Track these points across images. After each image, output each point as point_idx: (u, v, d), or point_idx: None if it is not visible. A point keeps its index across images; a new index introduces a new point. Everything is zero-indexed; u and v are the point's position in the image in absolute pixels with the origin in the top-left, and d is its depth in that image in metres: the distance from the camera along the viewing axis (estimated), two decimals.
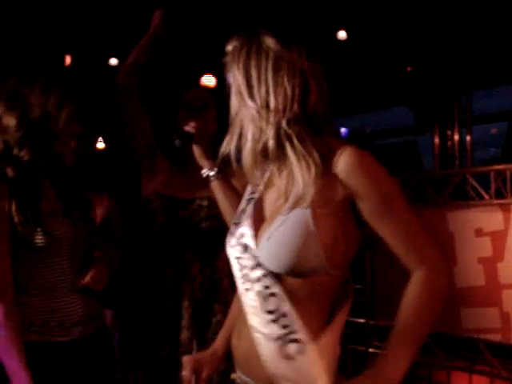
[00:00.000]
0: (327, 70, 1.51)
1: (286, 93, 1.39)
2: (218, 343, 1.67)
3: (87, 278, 2.14)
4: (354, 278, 4.66)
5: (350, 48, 5.01)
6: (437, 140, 5.91)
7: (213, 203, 2.26)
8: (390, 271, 4.39)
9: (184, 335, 2.41)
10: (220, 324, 2.08)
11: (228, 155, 1.50)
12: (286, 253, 1.36)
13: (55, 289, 2.11)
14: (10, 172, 2.07)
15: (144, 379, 2.38)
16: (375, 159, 1.42)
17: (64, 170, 2.23)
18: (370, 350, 4.58)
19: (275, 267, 1.38)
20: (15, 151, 2.09)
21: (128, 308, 2.54)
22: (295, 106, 1.39)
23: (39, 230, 2.05)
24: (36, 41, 4.61)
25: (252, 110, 1.41)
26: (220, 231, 2.01)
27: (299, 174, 1.39)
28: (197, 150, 2.16)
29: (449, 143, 5.71)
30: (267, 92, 1.39)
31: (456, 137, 5.75)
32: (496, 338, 3.86)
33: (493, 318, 3.85)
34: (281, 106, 1.38)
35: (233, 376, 1.53)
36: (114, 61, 5.56)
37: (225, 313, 1.90)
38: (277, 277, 1.39)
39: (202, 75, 5.52)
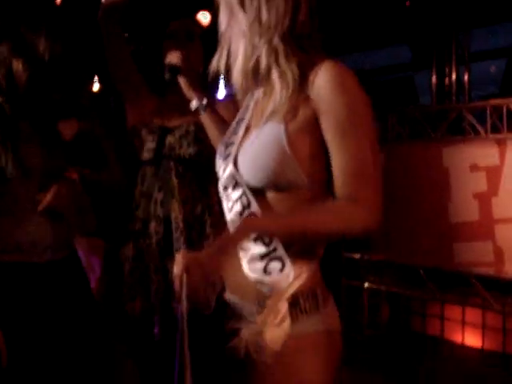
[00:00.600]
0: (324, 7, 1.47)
1: (278, 8, 1.37)
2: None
3: (48, 196, 2.18)
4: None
5: None
6: (434, 78, 5.84)
7: (200, 128, 2.26)
8: (386, 207, 4.41)
9: None
10: None
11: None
12: (260, 164, 1.36)
13: (24, 214, 2.20)
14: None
15: (141, 307, 2.42)
16: (354, 78, 1.37)
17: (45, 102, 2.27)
18: (365, 285, 4.65)
19: (252, 180, 1.38)
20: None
21: (121, 237, 2.55)
22: (286, 23, 1.37)
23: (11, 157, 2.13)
24: None
25: (243, 25, 1.38)
26: (208, 155, 2.02)
27: (278, 90, 1.38)
28: (183, 83, 2.15)
29: (446, 80, 5.64)
30: (259, 6, 1.37)
31: (453, 75, 5.67)
32: (489, 271, 3.92)
33: (486, 252, 3.91)
34: (273, 21, 1.36)
35: (225, 296, 1.55)
36: None
37: (216, 236, 1.91)
38: (256, 194, 1.39)
39: (198, 11, 5.42)
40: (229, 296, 1.52)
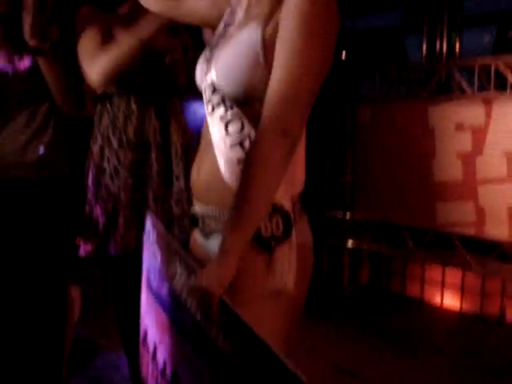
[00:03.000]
0: None
1: None
2: None
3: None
4: (334, 172, 4.69)
5: None
6: (425, 44, 5.79)
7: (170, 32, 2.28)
8: (370, 166, 4.41)
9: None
10: None
11: None
12: (234, 71, 1.33)
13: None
14: None
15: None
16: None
17: None
18: (348, 245, 4.65)
19: (228, 87, 1.35)
20: None
21: None
22: None
23: None
24: None
25: None
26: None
27: None
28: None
29: (437, 45, 5.60)
30: None
31: (444, 40, 5.62)
32: (470, 231, 3.92)
33: (468, 213, 3.91)
34: None
35: (192, 211, 1.52)
36: None
37: None
38: (236, 100, 1.36)
39: None
40: (198, 207, 1.49)
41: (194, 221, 1.50)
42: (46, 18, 2.22)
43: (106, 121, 2.46)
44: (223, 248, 1.29)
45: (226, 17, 1.52)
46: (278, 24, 1.31)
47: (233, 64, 1.34)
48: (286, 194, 1.36)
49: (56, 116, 2.46)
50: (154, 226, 1.73)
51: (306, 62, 1.28)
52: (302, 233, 1.40)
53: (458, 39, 5.64)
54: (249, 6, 1.42)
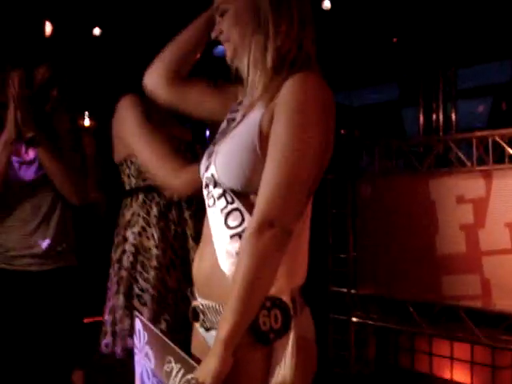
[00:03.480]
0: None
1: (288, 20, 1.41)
2: None
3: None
4: (336, 247, 4.67)
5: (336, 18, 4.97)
6: (421, 116, 5.90)
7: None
8: (373, 241, 4.40)
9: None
10: None
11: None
12: (233, 167, 1.36)
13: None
14: None
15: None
16: (320, 85, 1.37)
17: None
18: (353, 319, 4.59)
19: (227, 182, 1.37)
20: None
21: None
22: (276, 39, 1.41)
23: None
24: (14, 7, 4.54)
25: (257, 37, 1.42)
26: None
27: (255, 80, 1.42)
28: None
29: (433, 116, 5.70)
30: (266, 20, 1.41)
31: (441, 111, 5.73)
32: (476, 304, 3.88)
33: (473, 285, 3.87)
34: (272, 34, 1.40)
35: (193, 304, 1.51)
36: (97, 31, 5.48)
37: None
38: (236, 193, 1.37)
39: None
40: (200, 301, 1.48)
41: (196, 315, 1.49)
42: (32, 109, 2.28)
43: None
44: (217, 341, 1.28)
45: (228, 113, 1.55)
46: (272, 115, 1.34)
47: (232, 158, 1.36)
48: (285, 286, 1.35)
49: (62, 206, 2.49)
50: (145, 328, 1.71)
51: (296, 154, 1.31)
52: (302, 326, 1.38)
53: (454, 111, 5.74)
54: (252, 100, 1.46)
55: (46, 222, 2.46)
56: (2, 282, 2.40)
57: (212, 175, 1.41)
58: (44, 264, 2.44)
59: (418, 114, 5.75)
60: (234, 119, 1.49)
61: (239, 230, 1.37)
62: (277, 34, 1.41)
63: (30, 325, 2.36)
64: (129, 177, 2.36)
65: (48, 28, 4.92)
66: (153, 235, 2.36)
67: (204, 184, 1.46)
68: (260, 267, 1.28)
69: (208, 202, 1.45)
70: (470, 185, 3.87)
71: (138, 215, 2.34)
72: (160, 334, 1.59)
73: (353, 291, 4.56)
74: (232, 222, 1.38)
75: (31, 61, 2.48)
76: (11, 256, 2.41)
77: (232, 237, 1.37)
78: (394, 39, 5.33)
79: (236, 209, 1.38)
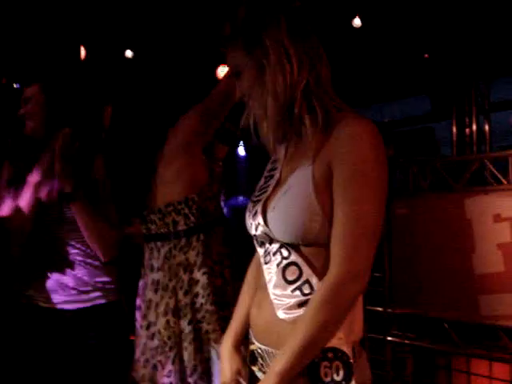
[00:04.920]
0: (342, 59, 1.54)
1: (301, 64, 1.43)
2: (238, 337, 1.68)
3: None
4: (372, 266, 4.64)
5: (366, 36, 4.97)
6: (454, 128, 5.84)
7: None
8: (408, 260, 4.37)
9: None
10: None
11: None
12: (290, 221, 1.38)
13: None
14: None
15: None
16: (373, 134, 1.39)
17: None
18: (389, 338, 4.56)
19: (284, 237, 1.39)
20: None
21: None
22: (309, 77, 1.43)
23: None
24: (51, 33, 4.63)
25: (269, 84, 1.44)
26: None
27: (308, 132, 1.43)
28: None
29: (467, 131, 5.64)
30: (285, 65, 1.42)
31: (474, 125, 5.67)
32: None
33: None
34: (297, 78, 1.42)
35: (251, 347, 1.53)
36: (129, 53, 5.56)
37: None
38: (293, 246, 1.40)
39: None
40: (258, 345, 1.51)
41: (254, 358, 1.51)
42: (73, 167, 2.31)
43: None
44: (271, 373, 1.33)
45: (265, 172, 1.57)
46: (326, 165, 1.36)
47: (288, 212, 1.38)
48: (347, 338, 1.37)
49: None
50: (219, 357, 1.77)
51: (369, 204, 1.36)
52: (361, 373, 1.41)
53: (487, 123, 5.69)
54: (290, 157, 1.48)
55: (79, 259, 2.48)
56: (39, 319, 2.45)
57: (266, 233, 1.43)
58: (80, 302, 2.45)
59: (450, 128, 5.71)
60: (272, 176, 1.51)
61: (298, 283, 1.40)
62: (298, 84, 1.43)
63: (70, 361, 2.38)
64: (187, 216, 2.36)
65: (82, 52, 5.01)
66: (222, 274, 2.38)
67: (259, 242, 1.49)
68: (337, 316, 1.35)
69: (265, 258, 1.47)
70: (506, 203, 3.83)
71: (204, 255, 2.34)
72: None
73: (389, 310, 4.53)
74: (290, 276, 1.41)
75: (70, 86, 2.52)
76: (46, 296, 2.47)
77: (292, 291, 1.40)
78: (426, 55, 5.33)
79: (293, 263, 1.40)
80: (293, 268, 1.40)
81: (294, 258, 1.39)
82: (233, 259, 2.42)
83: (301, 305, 1.39)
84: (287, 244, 1.39)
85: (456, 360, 4.39)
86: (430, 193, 4.32)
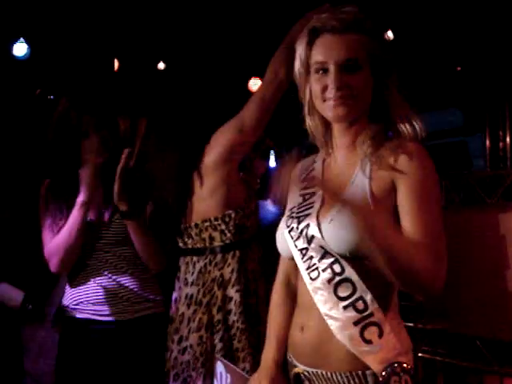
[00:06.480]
0: None
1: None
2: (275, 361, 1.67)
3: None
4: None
5: (398, 48, 4.94)
6: (488, 142, 5.77)
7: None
8: None
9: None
10: None
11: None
12: (349, 232, 1.37)
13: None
14: None
15: None
16: (431, 159, 1.49)
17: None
18: (419, 354, 4.50)
19: (341, 248, 1.39)
20: None
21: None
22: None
23: None
24: (84, 46, 4.69)
25: None
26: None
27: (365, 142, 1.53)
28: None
29: (500, 144, 5.57)
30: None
31: (508, 138, 5.60)
32: None
33: None
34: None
35: (295, 371, 1.52)
36: (161, 65, 5.60)
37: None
38: (347, 260, 1.40)
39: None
40: (303, 368, 1.50)
41: (299, 382, 1.51)
42: (132, 187, 2.33)
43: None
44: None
45: (300, 190, 1.56)
46: (388, 179, 1.38)
47: (345, 223, 1.38)
48: (410, 352, 1.46)
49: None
50: (228, 370, 1.74)
51: (434, 212, 1.46)
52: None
53: None
54: (332, 170, 1.49)
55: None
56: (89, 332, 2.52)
57: (322, 246, 1.42)
58: (141, 311, 2.54)
59: (483, 141, 5.64)
60: (313, 193, 1.51)
61: (352, 299, 1.39)
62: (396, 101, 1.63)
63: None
64: (223, 232, 2.36)
65: (115, 64, 5.06)
66: (255, 291, 2.37)
67: (305, 257, 1.48)
68: (407, 265, 1.39)
69: (310, 274, 1.46)
70: None
71: (238, 272, 2.34)
72: (245, 375, 1.62)
73: (420, 326, 4.48)
74: (343, 293, 1.41)
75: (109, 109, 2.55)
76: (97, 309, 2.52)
77: (345, 308, 1.40)
78: (458, 68, 5.28)
79: (346, 279, 1.40)
80: (346, 284, 1.40)
81: (347, 273, 1.41)
82: (267, 277, 2.41)
83: (356, 323, 1.39)
84: (342, 257, 1.39)
85: (488, 378, 4.31)
86: (462, 208, 4.27)
